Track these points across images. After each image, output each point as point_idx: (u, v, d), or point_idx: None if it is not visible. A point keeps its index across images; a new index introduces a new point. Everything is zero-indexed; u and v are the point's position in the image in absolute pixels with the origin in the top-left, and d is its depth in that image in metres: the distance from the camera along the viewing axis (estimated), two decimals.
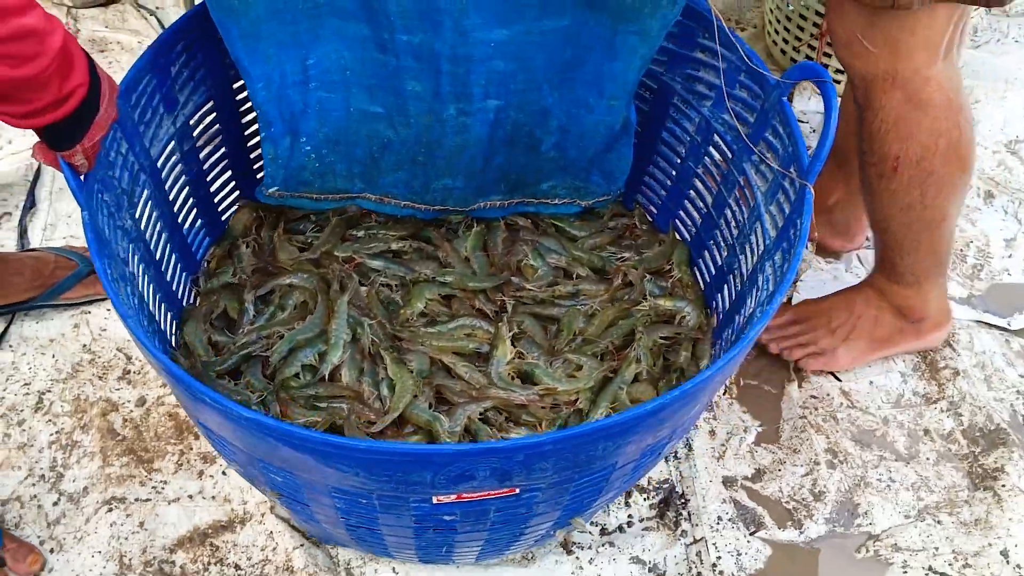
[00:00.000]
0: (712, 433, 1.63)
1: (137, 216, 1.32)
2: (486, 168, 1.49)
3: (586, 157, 1.49)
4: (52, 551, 1.47)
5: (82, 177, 1.14)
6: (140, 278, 1.30)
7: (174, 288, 1.49)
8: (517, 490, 1.07)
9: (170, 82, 1.37)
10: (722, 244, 1.50)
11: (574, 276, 1.60)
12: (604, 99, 1.38)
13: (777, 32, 2.22)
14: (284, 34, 1.30)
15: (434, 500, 1.06)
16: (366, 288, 1.54)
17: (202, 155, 1.52)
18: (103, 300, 1.76)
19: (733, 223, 1.46)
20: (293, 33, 1.30)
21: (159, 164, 1.39)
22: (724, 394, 1.67)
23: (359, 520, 1.19)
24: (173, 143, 1.42)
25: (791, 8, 2.10)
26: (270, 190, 1.52)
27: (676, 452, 1.60)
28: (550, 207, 1.59)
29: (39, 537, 1.48)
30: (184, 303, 1.52)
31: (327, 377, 1.43)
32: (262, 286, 1.55)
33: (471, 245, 1.61)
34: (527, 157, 1.48)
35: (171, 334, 1.44)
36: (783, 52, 2.22)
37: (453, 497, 1.06)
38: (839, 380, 1.72)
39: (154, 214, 1.39)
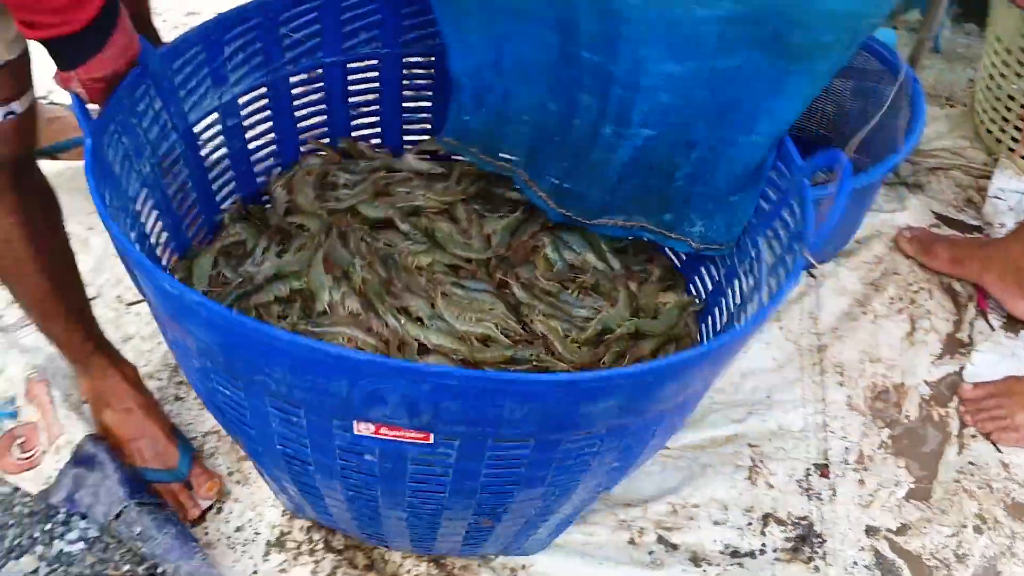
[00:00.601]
0: (861, 482, 1.63)
1: (162, 165, 1.40)
2: (618, 187, 1.54)
3: (713, 195, 1.50)
4: (238, 483, 1.64)
5: (92, 109, 1.21)
6: (148, 219, 1.38)
7: (189, 236, 1.56)
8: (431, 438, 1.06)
9: (222, 60, 1.47)
10: (723, 311, 1.51)
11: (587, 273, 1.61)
12: (752, 135, 1.40)
13: (985, 111, 2.22)
14: (485, 27, 1.45)
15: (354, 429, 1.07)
16: (366, 243, 1.58)
17: (248, 134, 1.61)
18: None
19: (738, 293, 1.45)
20: (491, 28, 1.44)
21: (195, 129, 1.48)
22: (880, 448, 1.67)
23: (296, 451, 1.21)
24: (216, 115, 1.52)
25: (1015, 87, 2.10)
26: (446, 137, 1.65)
27: (820, 493, 1.61)
28: (667, 239, 1.58)
29: (228, 468, 1.64)
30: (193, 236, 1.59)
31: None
32: (279, 232, 1.61)
33: (502, 226, 1.64)
34: (659, 184, 1.52)
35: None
36: (989, 131, 2.22)
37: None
38: (1000, 452, 1.69)
39: (183, 171, 1.48)
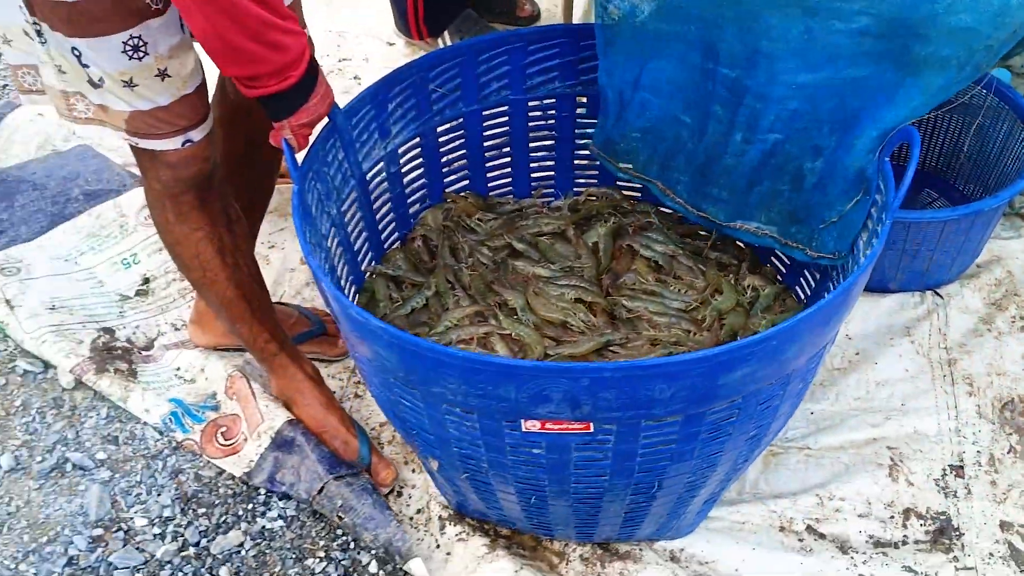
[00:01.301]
0: (994, 483, 1.74)
1: (342, 209, 1.63)
2: (748, 191, 1.66)
3: (830, 203, 1.59)
4: (413, 471, 1.81)
5: (298, 157, 1.42)
6: (335, 255, 1.59)
7: (363, 270, 1.77)
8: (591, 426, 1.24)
9: (386, 115, 1.69)
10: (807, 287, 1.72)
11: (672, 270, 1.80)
12: (863, 140, 1.49)
13: None
14: (634, 48, 1.62)
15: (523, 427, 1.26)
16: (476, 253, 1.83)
17: (405, 179, 1.83)
18: (329, 361, 1.97)
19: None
20: (640, 49, 1.62)
21: (367, 176, 1.70)
22: (1009, 452, 1.79)
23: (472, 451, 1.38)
24: (382, 163, 1.73)
25: None
26: (592, 146, 1.83)
27: (956, 491, 1.73)
28: (788, 248, 1.67)
29: (404, 458, 1.82)
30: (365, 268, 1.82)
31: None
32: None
33: (604, 232, 1.84)
34: (789, 191, 1.61)
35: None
36: None
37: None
38: None
39: (357, 213, 1.70)
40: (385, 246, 1.86)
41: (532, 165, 1.99)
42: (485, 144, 1.92)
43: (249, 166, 1.79)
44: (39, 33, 1.30)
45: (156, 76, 1.34)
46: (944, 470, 1.75)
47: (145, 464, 1.80)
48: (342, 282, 1.65)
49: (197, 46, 1.41)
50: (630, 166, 1.80)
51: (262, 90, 1.32)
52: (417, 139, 1.81)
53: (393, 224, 1.87)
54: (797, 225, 1.65)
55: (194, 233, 1.58)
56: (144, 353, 1.95)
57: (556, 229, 1.88)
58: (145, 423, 1.85)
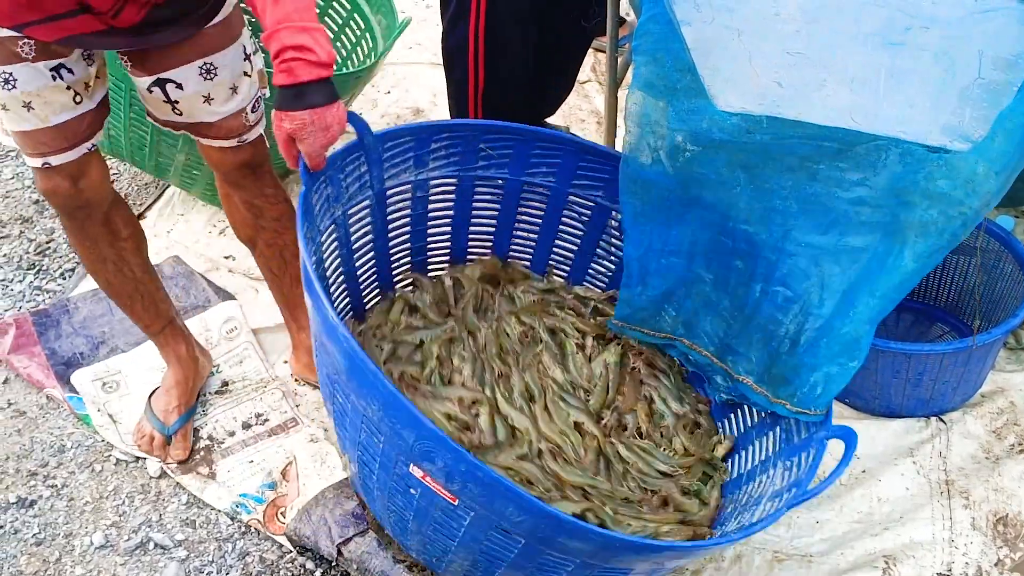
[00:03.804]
0: None
1: (349, 213, 1.90)
2: (761, 346, 1.84)
3: (816, 364, 1.74)
4: None
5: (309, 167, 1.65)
6: (327, 253, 1.86)
7: (360, 284, 2.04)
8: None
9: (427, 151, 1.97)
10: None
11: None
12: (858, 309, 1.68)
13: None
14: (661, 217, 1.84)
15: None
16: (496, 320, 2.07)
17: (431, 213, 2.10)
18: None
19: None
20: (667, 217, 1.84)
21: (388, 193, 1.98)
22: (996, 564, 1.94)
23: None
24: (409, 187, 2.01)
25: None
26: (615, 320, 2.04)
27: None
28: (772, 404, 1.84)
29: None
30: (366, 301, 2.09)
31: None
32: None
33: (613, 360, 2.05)
34: (787, 352, 1.79)
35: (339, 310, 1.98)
36: None
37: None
38: None
39: (367, 226, 1.97)
40: (393, 266, 2.13)
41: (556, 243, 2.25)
42: (519, 211, 2.18)
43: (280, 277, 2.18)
44: None
45: (23, 107, 1.72)
46: None
47: (217, 546, 2.04)
48: (333, 289, 1.93)
49: (66, 98, 1.75)
50: (656, 332, 2.01)
51: (303, 71, 1.51)
52: (455, 180, 2.08)
53: (408, 245, 2.13)
54: (787, 387, 1.83)
55: (79, 245, 1.98)
56: (223, 446, 2.21)
57: (580, 334, 2.11)
58: (219, 509, 2.10)
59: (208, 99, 1.81)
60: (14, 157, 3.00)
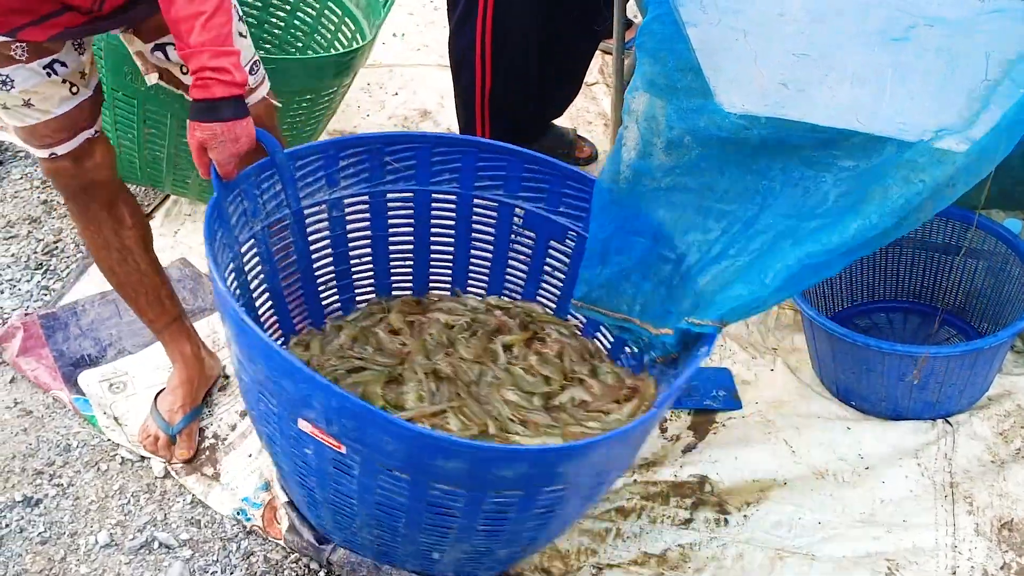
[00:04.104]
0: None
1: (271, 231, 1.95)
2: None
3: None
4: None
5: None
6: (249, 268, 1.91)
7: (289, 305, 2.08)
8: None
9: (336, 169, 2.01)
10: None
11: None
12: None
13: None
14: (639, 203, 1.82)
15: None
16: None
17: (348, 234, 2.12)
18: None
19: None
20: (648, 203, 1.82)
21: (305, 212, 2.01)
22: (1001, 568, 1.93)
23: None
24: (325, 206, 2.04)
25: None
26: (574, 300, 2.00)
27: None
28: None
29: None
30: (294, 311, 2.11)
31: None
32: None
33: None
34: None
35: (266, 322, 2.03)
36: None
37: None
38: None
39: (288, 240, 2.00)
40: (321, 291, 2.16)
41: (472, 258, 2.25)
42: (432, 222, 2.19)
43: None
44: None
45: (23, 105, 1.81)
46: None
47: (221, 546, 2.04)
48: (256, 302, 2.00)
49: (63, 91, 1.84)
50: (613, 312, 1.98)
51: (218, 89, 1.65)
52: (366, 197, 2.10)
53: (332, 271, 2.16)
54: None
55: (84, 229, 2.06)
56: (226, 443, 2.22)
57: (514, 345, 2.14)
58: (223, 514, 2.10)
59: None
60: (23, 158, 3.01)
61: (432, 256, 2.24)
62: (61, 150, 1.89)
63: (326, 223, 2.09)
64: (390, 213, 2.16)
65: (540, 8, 2.52)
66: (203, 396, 2.27)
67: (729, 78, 1.74)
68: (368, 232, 2.16)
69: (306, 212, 2.03)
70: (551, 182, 2.10)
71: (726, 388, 2.31)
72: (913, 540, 1.96)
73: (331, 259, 2.15)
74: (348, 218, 2.11)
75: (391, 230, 2.18)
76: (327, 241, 2.11)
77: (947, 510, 2.02)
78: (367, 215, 2.14)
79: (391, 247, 2.20)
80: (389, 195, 2.12)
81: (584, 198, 2.03)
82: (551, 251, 2.18)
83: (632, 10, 2.60)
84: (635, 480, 2.09)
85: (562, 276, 2.19)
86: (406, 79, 3.36)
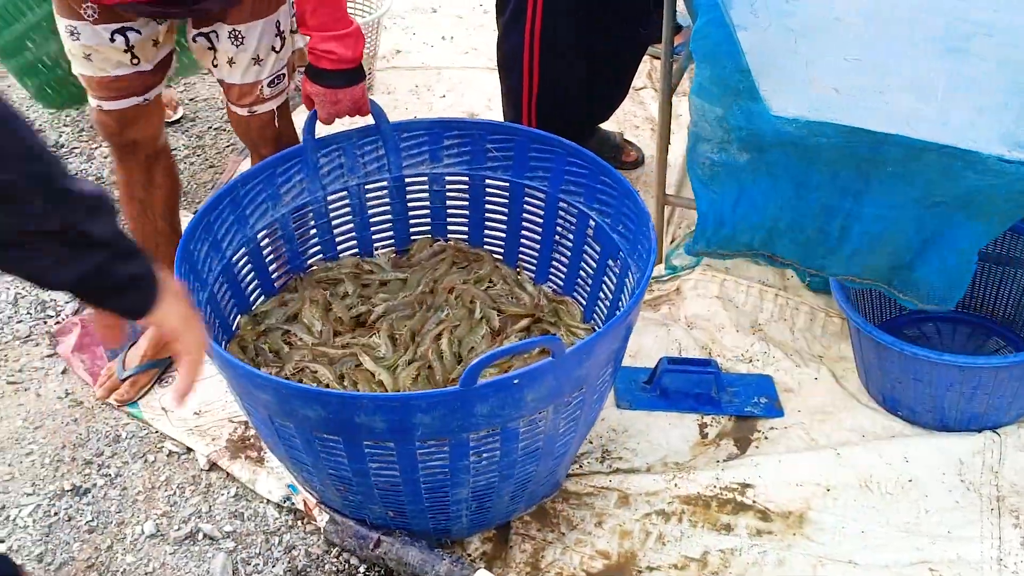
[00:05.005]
0: None
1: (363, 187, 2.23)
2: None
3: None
4: None
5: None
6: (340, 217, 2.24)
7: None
8: None
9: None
10: None
11: None
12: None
13: None
14: (733, 181, 1.89)
15: None
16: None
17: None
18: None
19: None
20: (737, 181, 1.88)
21: (406, 179, 2.26)
22: None
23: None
24: (426, 178, 2.26)
25: None
26: (695, 248, 2.05)
27: None
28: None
29: None
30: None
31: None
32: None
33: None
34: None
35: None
36: None
37: None
38: None
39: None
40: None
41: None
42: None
43: None
44: None
45: (85, 57, 1.99)
46: None
47: (264, 539, 2.06)
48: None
49: (123, 58, 1.99)
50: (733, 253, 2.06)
51: (326, 63, 1.95)
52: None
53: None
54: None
55: (118, 172, 2.23)
56: None
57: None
58: (268, 501, 2.12)
59: (231, 62, 2.04)
60: (78, 154, 3.06)
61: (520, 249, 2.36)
62: (107, 106, 2.06)
63: (427, 192, 2.31)
64: (487, 198, 2.32)
65: (588, 11, 2.52)
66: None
67: (781, 82, 1.74)
68: (466, 212, 2.36)
69: (407, 180, 2.28)
70: (616, 199, 2.13)
71: (767, 395, 2.30)
72: (958, 551, 1.94)
73: (429, 225, 2.38)
74: (448, 193, 2.32)
75: (486, 215, 2.35)
76: (427, 210, 2.35)
77: (993, 523, 2.00)
78: (466, 195, 2.33)
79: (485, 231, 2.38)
80: (487, 180, 2.29)
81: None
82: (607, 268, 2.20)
83: (681, 13, 2.60)
84: (676, 484, 2.09)
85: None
86: (454, 82, 3.38)
